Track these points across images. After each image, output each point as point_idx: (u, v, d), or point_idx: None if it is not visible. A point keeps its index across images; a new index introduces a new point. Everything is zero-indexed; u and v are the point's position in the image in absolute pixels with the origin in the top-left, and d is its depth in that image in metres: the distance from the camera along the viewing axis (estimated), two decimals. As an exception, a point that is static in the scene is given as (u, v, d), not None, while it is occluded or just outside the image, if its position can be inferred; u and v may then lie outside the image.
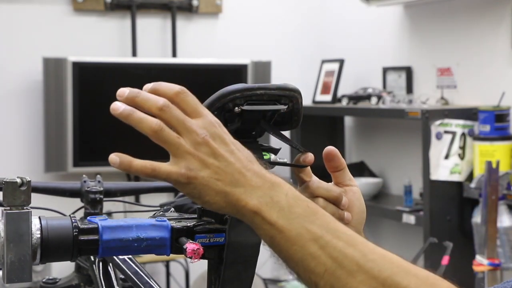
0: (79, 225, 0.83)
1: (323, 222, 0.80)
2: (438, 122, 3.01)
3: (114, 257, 1.49)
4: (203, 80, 3.74)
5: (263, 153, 0.90)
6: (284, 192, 0.80)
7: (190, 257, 0.83)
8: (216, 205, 0.79)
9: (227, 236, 0.87)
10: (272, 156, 0.92)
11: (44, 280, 1.68)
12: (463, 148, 3.02)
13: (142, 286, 1.43)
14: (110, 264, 1.53)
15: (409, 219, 3.16)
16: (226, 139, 0.80)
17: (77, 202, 1.62)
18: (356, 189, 0.98)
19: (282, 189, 0.80)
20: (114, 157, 0.77)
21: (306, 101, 3.44)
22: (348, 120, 4.11)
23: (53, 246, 0.81)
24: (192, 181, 0.77)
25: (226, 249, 0.87)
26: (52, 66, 3.59)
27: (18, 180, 0.80)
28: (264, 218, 0.78)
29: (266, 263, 3.97)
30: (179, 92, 0.80)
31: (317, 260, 0.78)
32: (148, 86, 0.81)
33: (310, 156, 0.92)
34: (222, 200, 0.78)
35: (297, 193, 0.81)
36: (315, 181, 0.94)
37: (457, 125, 3.01)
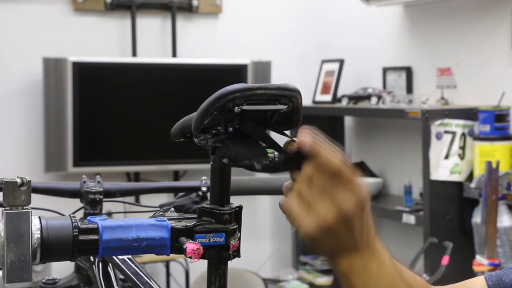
0: (79, 225, 0.83)
1: None
2: (438, 122, 3.01)
3: (114, 257, 1.49)
4: (203, 80, 3.73)
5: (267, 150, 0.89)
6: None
7: (190, 257, 0.83)
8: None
9: None
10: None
11: (44, 281, 1.68)
12: (463, 148, 3.02)
13: (142, 286, 1.43)
14: (110, 264, 1.52)
15: (409, 219, 3.16)
16: None
17: (76, 203, 1.62)
18: None
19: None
20: None
21: (306, 101, 3.44)
22: (348, 120, 4.11)
23: (53, 246, 0.81)
24: None
25: None
26: (52, 66, 3.59)
27: (18, 180, 0.80)
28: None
29: (266, 263, 3.98)
30: None
31: None
32: None
33: (292, 146, 0.89)
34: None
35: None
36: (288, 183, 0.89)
37: (457, 125, 3.01)
